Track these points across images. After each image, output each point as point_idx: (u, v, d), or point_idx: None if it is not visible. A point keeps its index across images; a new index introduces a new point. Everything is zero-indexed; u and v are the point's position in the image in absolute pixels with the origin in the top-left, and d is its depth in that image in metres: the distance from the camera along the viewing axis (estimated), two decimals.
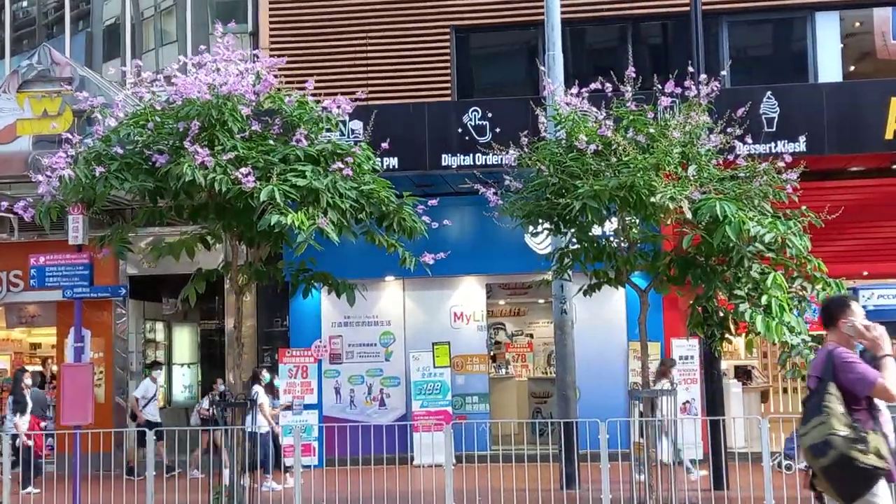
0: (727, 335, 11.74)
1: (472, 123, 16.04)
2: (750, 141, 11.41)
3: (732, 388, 17.07)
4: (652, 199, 10.41)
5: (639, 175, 10.34)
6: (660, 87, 11.16)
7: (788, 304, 10.71)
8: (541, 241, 15.29)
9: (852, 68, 18.13)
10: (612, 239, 11.78)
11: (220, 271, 12.59)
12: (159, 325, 20.79)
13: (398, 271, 12.96)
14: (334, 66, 18.06)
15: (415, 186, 15.80)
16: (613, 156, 10.80)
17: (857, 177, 16.90)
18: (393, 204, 11.43)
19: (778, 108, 15.55)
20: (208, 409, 16.62)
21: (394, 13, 18.44)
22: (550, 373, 18.69)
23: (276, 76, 11.49)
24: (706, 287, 11.18)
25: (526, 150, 11.51)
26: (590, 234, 11.59)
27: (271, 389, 15.62)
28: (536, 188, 11.35)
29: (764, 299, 10.61)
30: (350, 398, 18.05)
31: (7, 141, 15.69)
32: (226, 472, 12.59)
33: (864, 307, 11.89)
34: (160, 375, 17.90)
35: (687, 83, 11.15)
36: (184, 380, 21.24)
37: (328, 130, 11.51)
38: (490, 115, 16.00)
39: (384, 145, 11.98)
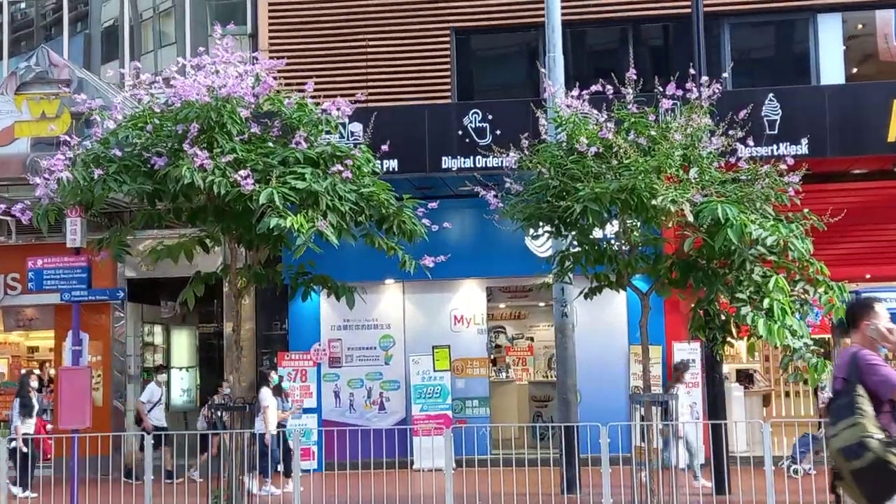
0: (729, 339, 11.69)
1: (473, 126, 15.99)
2: (752, 143, 11.37)
3: (734, 391, 17.01)
4: (653, 202, 10.36)
5: (640, 178, 10.29)
6: (661, 89, 11.11)
7: (790, 308, 10.66)
8: (541, 244, 15.25)
9: (855, 70, 18.09)
10: (613, 242, 11.73)
11: (219, 274, 12.52)
12: (158, 329, 20.71)
13: (398, 274, 12.90)
14: (334, 68, 18.00)
15: (415, 189, 15.74)
16: (614, 158, 10.76)
17: (860, 179, 16.86)
18: (393, 206, 11.38)
19: (780, 111, 15.50)
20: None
21: (394, 15, 18.40)
22: (551, 376, 18.62)
23: (275, 78, 11.43)
24: (708, 290, 11.13)
25: (526, 152, 11.46)
26: (591, 236, 11.54)
27: (279, 391, 15.55)
28: (537, 191, 11.30)
29: (766, 302, 10.56)
30: (349, 402, 17.99)
31: (5, 143, 15.64)
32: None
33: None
34: (165, 380, 17.81)
35: (688, 85, 11.10)
36: (182, 383, 21.16)
37: (328, 133, 11.46)
38: (490, 117, 15.95)
39: (384, 148, 11.92)
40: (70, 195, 10.95)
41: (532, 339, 20.72)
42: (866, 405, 5.63)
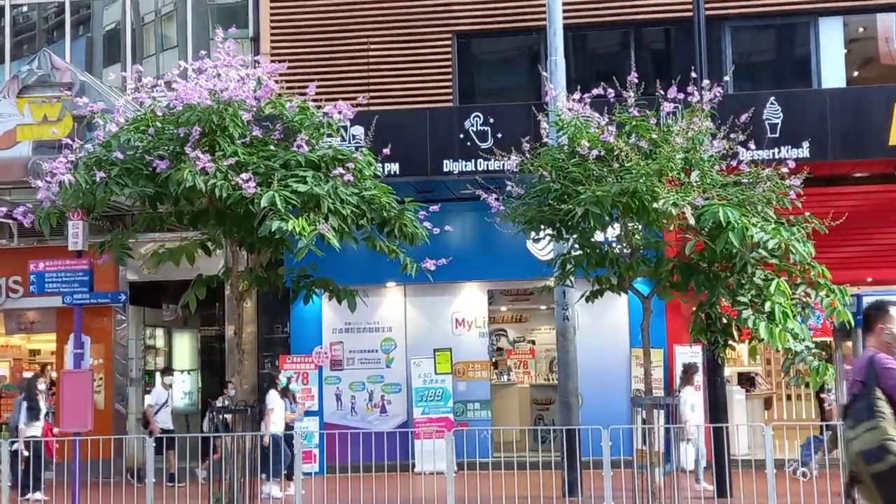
0: (730, 342, 11.68)
1: (474, 129, 16.00)
2: (753, 147, 11.39)
3: (736, 395, 17.00)
4: (654, 205, 10.36)
5: (641, 181, 10.29)
6: (662, 92, 11.11)
7: (792, 311, 10.65)
8: (543, 247, 15.26)
9: (856, 74, 18.08)
10: (614, 245, 11.73)
11: (221, 277, 12.54)
12: (159, 332, 20.71)
13: (399, 277, 12.94)
14: (335, 72, 18.02)
15: (416, 192, 15.73)
16: (616, 161, 10.77)
17: (861, 183, 16.85)
18: (394, 210, 11.39)
19: (781, 114, 15.50)
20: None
21: (395, 18, 18.41)
22: (552, 379, 18.62)
23: (277, 81, 11.45)
24: (709, 293, 11.13)
25: (528, 155, 11.47)
26: (592, 240, 11.54)
27: (286, 393, 15.55)
28: (538, 194, 11.31)
29: (767, 306, 10.55)
30: (351, 405, 17.98)
31: (7, 146, 15.65)
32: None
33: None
34: (172, 382, 17.79)
35: (690, 89, 11.11)
36: (184, 386, 21.16)
37: (329, 136, 11.48)
38: (492, 120, 15.96)
39: (385, 151, 11.94)
40: (72, 198, 10.96)
41: (533, 342, 20.71)
42: (885, 408, 5.63)
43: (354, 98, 11.76)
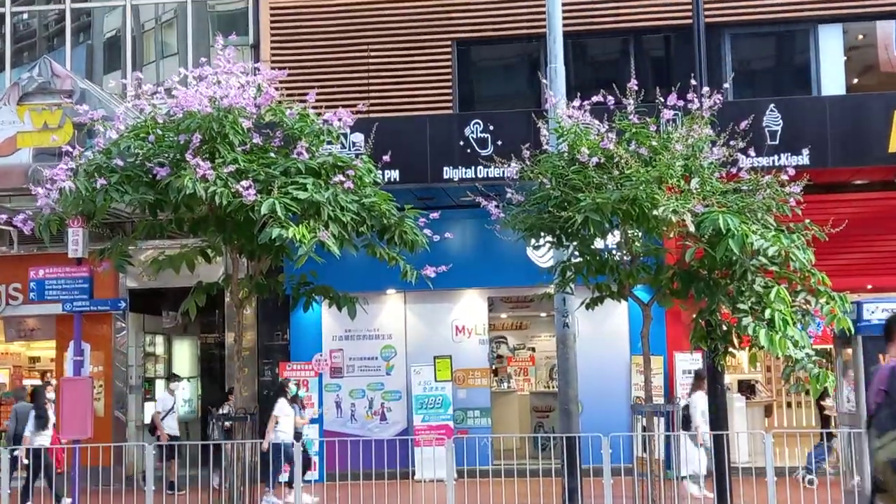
0: (730, 349, 11.68)
1: (474, 136, 16.01)
2: (753, 154, 11.38)
3: (736, 402, 16.98)
4: (654, 212, 10.36)
5: (641, 188, 10.30)
6: (662, 99, 11.12)
7: (792, 318, 10.64)
8: (543, 255, 15.23)
9: (856, 81, 18.10)
10: (614, 252, 11.72)
11: (221, 284, 12.54)
12: (159, 339, 20.70)
13: (399, 284, 12.91)
14: (335, 79, 18.03)
15: (416, 199, 15.75)
16: (616, 169, 10.77)
17: (861, 190, 16.86)
18: (394, 217, 11.39)
19: (781, 121, 15.51)
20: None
21: (395, 26, 18.43)
22: (552, 387, 18.61)
23: (277, 89, 11.46)
24: (709, 301, 11.12)
25: (528, 162, 11.47)
26: (592, 247, 11.54)
27: (295, 400, 15.56)
28: (538, 201, 11.31)
29: (767, 313, 10.54)
30: (351, 412, 17.97)
31: (7, 153, 15.65)
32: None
33: (867, 321, 11.93)
34: (178, 388, 17.77)
35: (689, 96, 11.11)
36: (184, 393, 21.13)
37: (329, 143, 11.48)
38: (492, 127, 15.96)
39: (385, 158, 11.94)
40: (72, 205, 10.96)
41: (533, 349, 20.71)
42: None
43: (354, 105, 11.77)
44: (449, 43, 18.47)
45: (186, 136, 10.74)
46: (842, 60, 17.93)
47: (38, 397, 15.31)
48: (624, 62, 17.98)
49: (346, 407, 17.97)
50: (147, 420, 19.16)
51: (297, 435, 14.96)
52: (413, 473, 16.59)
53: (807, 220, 11.15)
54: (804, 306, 11.20)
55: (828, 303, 10.96)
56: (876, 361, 11.99)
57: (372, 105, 15.97)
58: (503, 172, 11.75)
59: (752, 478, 12.66)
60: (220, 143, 10.72)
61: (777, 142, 15.45)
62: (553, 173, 11.13)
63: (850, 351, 12.50)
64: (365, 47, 18.40)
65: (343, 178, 10.76)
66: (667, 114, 11.11)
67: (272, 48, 18.52)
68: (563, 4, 14.34)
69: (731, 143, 11.14)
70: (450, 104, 18.24)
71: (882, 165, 15.78)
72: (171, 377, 17.89)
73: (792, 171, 11.33)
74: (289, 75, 12.07)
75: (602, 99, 11.27)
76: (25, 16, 20.82)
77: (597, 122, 11.21)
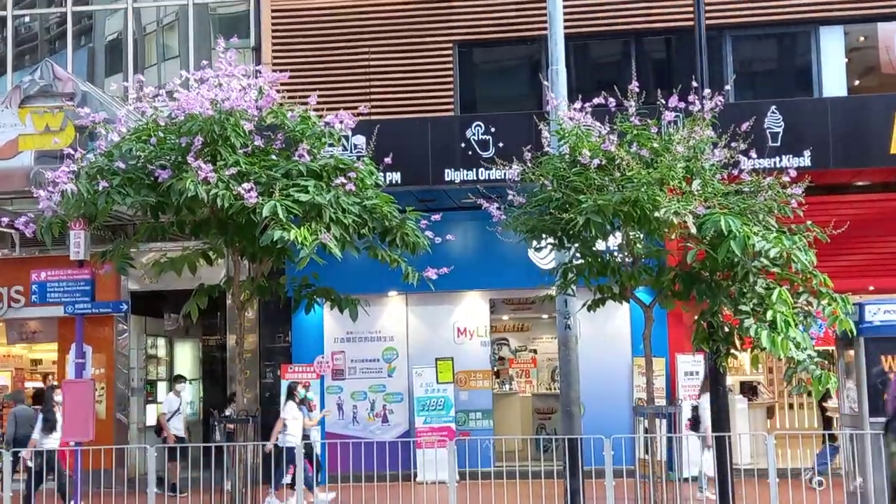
0: (732, 350, 11.66)
1: (476, 138, 16.01)
2: (754, 155, 11.37)
3: (738, 403, 16.98)
4: (656, 214, 10.36)
5: (643, 190, 10.29)
6: (663, 101, 11.12)
7: (794, 320, 10.63)
8: (544, 256, 15.24)
9: (857, 82, 18.10)
10: (616, 254, 11.71)
11: (222, 287, 12.54)
12: (161, 341, 20.70)
13: (401, 286, 12.91)
14: (337, 81, 18.05)
15: (418, 201, 15.75)
16: (617, 170, 10.77)
17: (863, 191, 16.86)
18: (396, 219, 11.39)
19: (782, 123, 15.51)
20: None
21: (396, 28, 18.44)
22: (554, 388, 18.61)
23: (278, 91, 11.46)
24: (711, 302, 11.11)
25: (529, 164, 11.47)
26: (594, 249, 11.53)
27: (304, 403, 15.57)
28: (540, 203, 11.31)
29: (769, 314, 10.53)
30: (353, 414, 17.97)
31: (9, 156, 15.65)
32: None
33: (869, 323, 11.92)
34: (184, 389, 17.76)
35: (691, 98, 11.11)
36: (185, 396, 21.16)
37: (331, 145, 11.49)
38: (493, 129, 15.96)
39: (387, 160, 11.94)
40: (74, 208, 10.96)
41: (535, 351, 20.71)
42: None
43: (356, 107, 11.77)
44: (450, 45, 18.48)
45: (188, 138, 10.74)
46: (843, 62, 17.93)
47: (47, 400, 15.30)
48: (625, 64, 17.99)
49: (348, 409, 17.97)
50: (150, 422, 19.18)
51: (305, 437, 14.98)
52: (415, 475, 16.59)
53: (808, 222, 11.14)
54: (806, 308, 11.19)
55: (830, 304, 10.95)
56: (878, 363, 12.00)
57: (373, 107, 15.97)
58: (504, 174, 11.74)
59: (755, 479, 12.65)
60: (222, 146, 10.73)
61: (778, 143, 15.45)
62: (554, 175, 11.13)
63: (851, 352, 12.49)
64: (366, 50, 18.41)
65: (345, 181, 10.76)
66: (668, 116, 11.10)
67: (273, 51, 18.54)
68: (565, 6, 14.35)
69: (733, 144, 11.14)
70: (451, 106, 18.25)
71: (883, 167, 15.78)
72: (176, 378, 17.83)
73: (793, 173, 11.32)
74: (290, 78, 12.08)
75: (603, 101, 11.27)
76: (27, 19, 20.84)
77: (598, 123, 11.21)
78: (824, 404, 16.66)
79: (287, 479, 14.70)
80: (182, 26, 19.76)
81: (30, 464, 14.29)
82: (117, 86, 16.81)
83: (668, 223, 10.51)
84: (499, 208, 11.60)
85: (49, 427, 14.68)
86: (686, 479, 13.60)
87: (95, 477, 14.23)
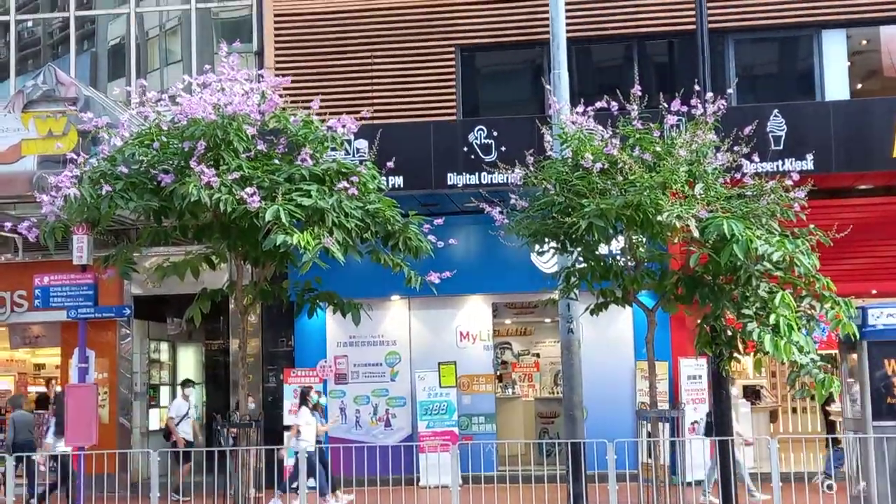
0: (735, 354, 11.66)
1: (478, 142, 16.02)
2: (757, 159, 11.40)
3: (741, 407, 16.95)
4: (658, 218, 10.37)
5: (645, 194, 10.30)
6: (666, 105, 11.13)
7: (797, 324, 10.63)
8: (547, 260, 15.24)
9: (859, 86, 18.09)
10: (618, 258, 11.72)
11: (225, 291, 12.54)
12: (164, 346, 20.70)
13: (404, 290, 12.93)
14: (339, 86, 18.05)
15: (420, 205, 15.75)
16: (620, 174, 10.77)
17: (865, 195, 16.85)
18: (398, 223, 11.39)
19: (785, 127, 15.50)
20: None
21: (399, 32, 18.45)
22: (557, 393, 18.59)
23: (281, 96, 11.47)
24: (714, 306, 11.11)
25: (532, 168, 11.47)
26: (596, 252, 11.53)
27: (316, 408, 15.58)
28: (542, 207, 11.31)
29: (772, 318, 10.53)
30: (356, 418, 17.96)
31: (11, 161, 15.66)
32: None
33: (872, 326, 11.92)
34: (192, 394, 17.75)
35: (693, 101, 11.12)
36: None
37: (333, 149, 11.50)
38: (496, 133, 15.97)
39: (389, 164, 11.95)
40: (77, 212, 10.97)
41: (538, 355, 20.69)
42: None
43: (358, 112, 11.77)
44: (453, 49, 18.49)
45: (191, 143, 10.75)
46: (845, 66, 17.92)
47: (59, 404, 15.29)
48: (627, 68, 17.98)
49: (351, 413, 17.96)
50: (153, 426, 19.19)
51: (319, 443, 15.00)
52: (418, 480, 16.58)
53: (811, 226, 11.14)
54: (809, 311, 11.19)
55: (833, 308, 10.95)
56: (881, 367, 11.99)
57: (376, 111, 15.97)
58: (507, 178, 11.76)
59: (758, 483, 12.66)
60: (225, 150, 10.74)
61: (781, 147, 15.45)
62: (557, 179, 11.14)
63: (855, 356, 12.48)
64: (369, 54, 18.42)
65: (347, 185, 10.76)
66: (670, 119, 11.11)
67: (276, 55, 18.55)
68: (567, 11, 14.37)
69: (735, 148, 11.14)
70: (454, 110, 18.25)
71: (886, 170, 15.77)
72: (185, 383, 17.75)
73: (796, 177, 11.32)
74: (293, 82, 12.08)
75: (606, 105, 11.28)
76: (30, 23, 20.88)
77: (600, 127, 11.23)
78: (827, 408, 16.64)
79: (311, 483, 14.71)
80: (185, 31, 19.78)
81: (43, 468, 14.28)
82: (120, 90, 16.86)
83: (671, 227, 10.51)
84: (501, 212, 11.61)
85: (62, 431, 14.69)
86: (689, 483, 13.60)
87: (98, 481, 14.20)
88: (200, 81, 11.36)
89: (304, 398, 15.24)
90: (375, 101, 17.69)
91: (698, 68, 14.12)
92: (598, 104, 11.32)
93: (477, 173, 15.83)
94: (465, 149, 16.03)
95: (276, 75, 12.44)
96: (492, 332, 18.34)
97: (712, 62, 14.73)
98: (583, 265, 11.76)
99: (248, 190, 10.27)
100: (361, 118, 11.53)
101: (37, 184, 14.67)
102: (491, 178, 15.26)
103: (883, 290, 16.40)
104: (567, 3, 14.46)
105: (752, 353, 11.87)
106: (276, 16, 18.77)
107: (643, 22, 18.07)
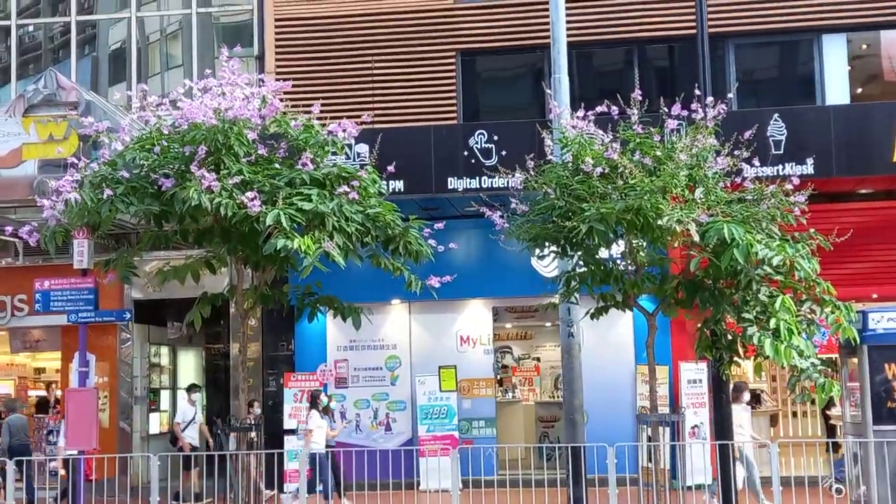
0: (736, 358, 11.65)
1: (479, 146, 16.02)
2: (757, 163, 11.38)
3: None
4: (659, 222, 10.36)
5: (646, 198, 10.30)
6: (666, 109, 11.13)
7: (797, 328, 10.62)
8: (547, 264, 15.22)
9: (860, 90, 18.09)
10: (619, 262, 11.71)
11: (226, 295, 12.54)
12: (164, 350, 20.71)
13: (404, 295, 12.91)
14: (340, 90, 18.07)
15: (421, 209, 15.76)
16: (620, 179, 10.77)
17: (866, 199, 16.83)
18: (399, 227, 11.39)
19: (785, 131, 15.50)
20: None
21: (400, 37, 18.47)
22: (557, 397, 18.59)
23: (281, 100, 11.47)
24: (714, 310, 11.10)
25: (532, 172, 11.47)
26: (597, 257, 11.53)
27: (327, 411, 15.57)
28: (543, 211, 11.31)
29: (772, 322, 10.52)
30: (356, 422, 17.95)
31: (12, 165, 15.67)
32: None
33: (873, 331, 11.92)
34: (199, 398, 17.71)
35: (693, 106, 11.12)
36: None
37: (334, 154, 11.49)
38: (496, 138, 15.97)
39: (390, 168, 11.95)
40: (77, 216, 10.97)
41: (538, 359, 20.69)
42: None
43: (359, 116, 11.77)
44: (453, 53, 18.50)
45: (191, 147, 10.76)
46: (846, 70, 17.94)
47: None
48: (628, 72, 17.99)
49: (351, 417, 17.94)
50: (153, 430, 19.18)
51: (329, 447, 15.00)
52: (418, 484, 16.55)
53: (811, 230, 11.13)
54: (809, 316, 11.19)
55: (833, 312, 10.94)
56: (881, 371, 11.99)
57: (376, 116, 15.96)
58: (507, 182, 11.76)
59: (755, 486, 12.63)
60: (225, 155, 10.74)
61: (781, 151, 15.45)
62: (557, 183, 11.14)
63: (855, 360, 12.47)
64: (369, 58, 18.44)
65: (348, 189, 10.76)
66: (671, 124, 11.11)
67: (277, 59, 18.57)
68: (567, 15, 14.36)
69: (736, 152, 11.14)
70: (454, 114, 18.26)
71: (886, 175, 15.76)
72: (191, 388, 17.59)
73: (796, 181, 11.33)
74: (293, 86, 12.08)
75: (606, 109, 11.27)
76: (31, 28, 20.90)
77: (601, 132, 11.22)
78: (828, 412, 16.62)
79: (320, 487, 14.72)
80: (185, 35, 19.81)
81: (62, 471, 14.26)
82: (121, 95, 16.82)
83: (672, 231, 10.51)
84: (502, 216, 11.61)
85: None
86: (689, 488, 13.59)
87: (98, 485, 14.20)
88: (201, 86, 11.37)
89: (314, 401, 15.25)
90: (376, 105, 17.71)
91: (699, 72, 14.12)
92: (599, 108, 11.32)
93: (477, 177, 15.84)
94: (466, 153, 16.04)
95: (277, 79, 12.46)
96: (492, 336, 18.34)
97: (713, 66, 14.74)
98: (583, 269, 11.75)
99: (249, 194, 10.27)
100: (362, 122, 11.53)
101: (37, 188, 14.68)
102: (491, 182, 15.26)
103: (883, 294, 16.39)
104: (567, 8, 14.45)
105: (752, 358, 11.87)
106: (276, 20, 18.80)
107: (643, 26, 18.08)
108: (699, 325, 11.54)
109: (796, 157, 15.38)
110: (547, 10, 14.39)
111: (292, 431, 16.62)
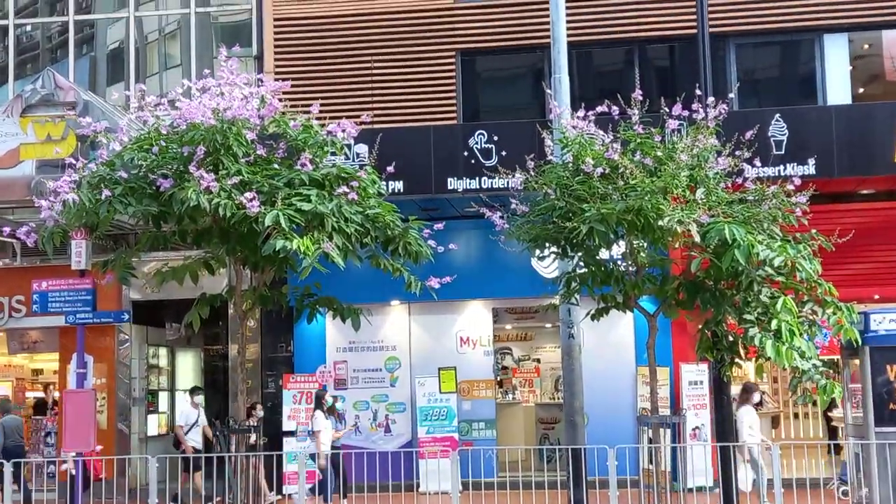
0: (737, 360, 11.62)
1: (478, 147, 15.98)
2: (759, 164, 11.37)
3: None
4: (660, 223, 10.33)
5: (646, 198, 10.26)
6: (667, 109, 11.10)
7: (798, 329, 10.59)
8: (548, 265, 15.17)
9: (861, 90, 18.05)
10: (619, 263, 11.68)
11: (225, 296, 12.51)
12: (162, 351, 20.64)
13: (404, 296, 12.87)
14: (339, 90, 18.01)
15: (420, 210, 15.71)
16: (620, 179, 10.74)
17: (867, 199, 16.79)
18: (398, 228, 11.36)
19: (786, 131, 15.45)
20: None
21: (399, 36, 18.41)
22: (558, 398, 18.54)
23: (280, 100, 11.44)
24: (715, 311, 11.08)
25: (532, 173, 11.43)
26: (597, 257, 11.50)
27: (332, 412, 15.52)
28: (543, 212, 11.28)
29: (774, 324, 10.50)
30: (355, 424, 17.89)
31: (10, 165, 15.62)
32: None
33: (874, 332, 11.88)
34: (202, 401, 17.61)
35: (694, 106, 11.09)
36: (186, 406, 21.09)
37: (333, 154, 11.46)
38: (496, 138, 15.93)
39: (389, 169, 11.91)
40: (75, 217, 10.93)
41: (538, 360, 20.64)
42: None
43: (358, 116, 11.74)
44: (453, 53, 18.45)
45: (190, 147, 10.73)
46: (847, 70, 17.89)
47: None
48: (628, 72, 17.93)
49: (351, 419, 17.89)
50: (151, 432, 19.12)
51: (335, 448, 14.95)
52: (418, 486, 16.51)
53: (813, 231, 11.10)
54: (811, 317, 11.16)
55: (835, 313, 10.92)
56: (883, 372, 11.95)
57: (376, 116, 15.93)
58: (508, 183, 11.73)
59: (761, 489, 12.60)
60: (224, 155, 10.70)
61: (783, 152, 15.40)
62: (558, 184, 11.10)
63: (857, 361, 12.43)
64: (369, 58, 18.39)
65: (347, 190, 10.73)
66: (672, 124, 11.08)
67: (276, 59, 18.52)
68: (568, 15, 14.32)
69: (737, 153, 11.10)
70: (454, 115, 18.21)
71: (888, 175, 15.72)
72: (193, 390, 17.40)
73: (798, 181, 11.30)
74: (292, 86, 12.05)
75: (606, 109, 11.24)
76: (29, 28, 20.85)
77: (601, 132, 11.19)
78: (829, 414, 16.59)
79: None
80: (184, 35, 19.75)
81: (73, 471, 14.21)
82: (119, 95, 16.81)
83: (672, 232, 10.47)
84: (502, 217, 11.57)
85: None
86: (690, 490, 13.54)
87: (96, 487, 14.15)
88: (200, 86, 11.34)
89: (318, 402, 15.20)
90: (375, 105, 17.67)
91: (699, 72, 14.11)
92: (599, 108, 11.29)
93: (477, 178, 15.78)
94: (466, 153, 16.00)
95: (276, 79, 12.43)
96: (492, 337, 18.29)
97: (713, 66, 14.70)
98: (584, 270, 11.72)
99: (248, 195, 10.24)
100: (361, 122, 11.50)
101: (35, 189, 14.63)
102: (491, 183, 15.19)
103: (885, 295, 16.33)
104: (568, 7, 14.41)
105: (753, 359, 11.83)
106: (275, 20, 18.75)
107: (644, 26, 18.02)
108: (700, 327, 11.51)
109: (798, 158, 15.34)
110: (547, 9, 14.35)
111: (291, 433, 16.57)
